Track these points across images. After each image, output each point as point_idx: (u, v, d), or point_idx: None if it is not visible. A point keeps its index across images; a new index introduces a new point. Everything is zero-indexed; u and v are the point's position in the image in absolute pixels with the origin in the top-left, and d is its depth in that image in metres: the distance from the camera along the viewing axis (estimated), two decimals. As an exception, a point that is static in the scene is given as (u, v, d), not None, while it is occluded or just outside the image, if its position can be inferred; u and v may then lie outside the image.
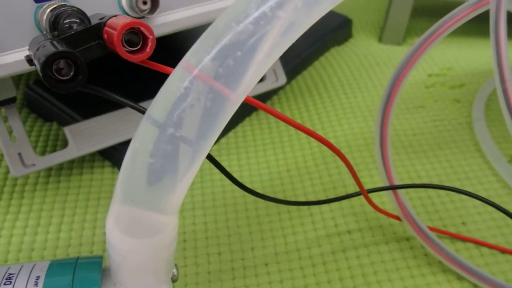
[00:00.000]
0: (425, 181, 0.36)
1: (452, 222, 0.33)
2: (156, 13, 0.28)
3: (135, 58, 0.20)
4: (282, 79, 0.41)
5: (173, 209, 0.18)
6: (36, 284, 0.19)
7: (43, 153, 0.37)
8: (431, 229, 0.32)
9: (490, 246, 0.32)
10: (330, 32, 0.50)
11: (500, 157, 0.37)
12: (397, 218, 0.31)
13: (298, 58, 0.46)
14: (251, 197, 0.35)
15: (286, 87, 0.45)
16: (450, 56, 0.49)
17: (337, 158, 0.38)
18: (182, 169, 0.17)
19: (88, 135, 0.34)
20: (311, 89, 0.45)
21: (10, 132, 0.32)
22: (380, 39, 0.52)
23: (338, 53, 0.50)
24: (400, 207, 0.30)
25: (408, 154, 0.39)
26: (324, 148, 0.39)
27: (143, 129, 0.17)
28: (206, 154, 0.18)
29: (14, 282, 0.19)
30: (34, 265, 0.21)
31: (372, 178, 0.37)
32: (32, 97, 0.41)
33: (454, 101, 0.43)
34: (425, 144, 0.39)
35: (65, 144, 0.35)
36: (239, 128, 0.41)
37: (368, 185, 0.33)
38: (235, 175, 0.37)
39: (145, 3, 0.28)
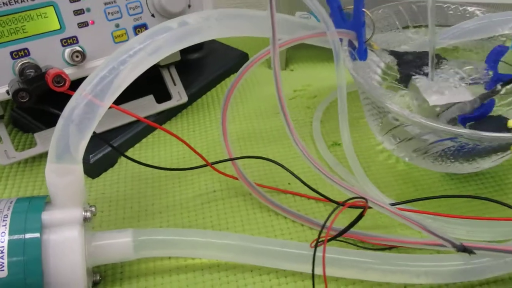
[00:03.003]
0: (274, 160, 0.55)
1: (282, 183, 0.53)
2: (85, 61, 0.48)
3: (61, 90, 0.40)
4: (184, 98, 0.60)
5: (78, 161, 0.37)
6: (11, 203, 0.38)
7: (21, 150, 0.57)
8: (261, 185, 0.51)
9: (301, 195, 0.51)
10: (229, 63, 0.70)
11: (323, 144, 0.57)
12: (236, 178, 0.50)
13: (202, 83, 0.66)
14: (158, 174, 0.54)
15: (193, 104, 0.65)
16: (311, 76, 0.69)
17: (219, 148, 0.58)
18: (76, 142, 0.36)
19: (50, 138, 0.54)
20: (210, 105, 0.65)
21: (-1, 137, 0.51)
22: (269, 66, 0.72)
23: (236, 78, 0.70)
24: (236, 171, 0.49)
25: (264, 144, 0.58)
26: (211, 142, 0.58)
27: (58, 124, 0.37)
28: (90, 134, 0.37)
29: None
30: (9, 198, 0.39)
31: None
32: (15, 117, 0.60)
33: (306, 108, 0.63)
34: (277, 137, 0.59)
35: (35, 145, 0.54)
36: (156, 132, 0.60)
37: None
38: (149, 162, 0.56)
39: (77, 56, 0.48)
